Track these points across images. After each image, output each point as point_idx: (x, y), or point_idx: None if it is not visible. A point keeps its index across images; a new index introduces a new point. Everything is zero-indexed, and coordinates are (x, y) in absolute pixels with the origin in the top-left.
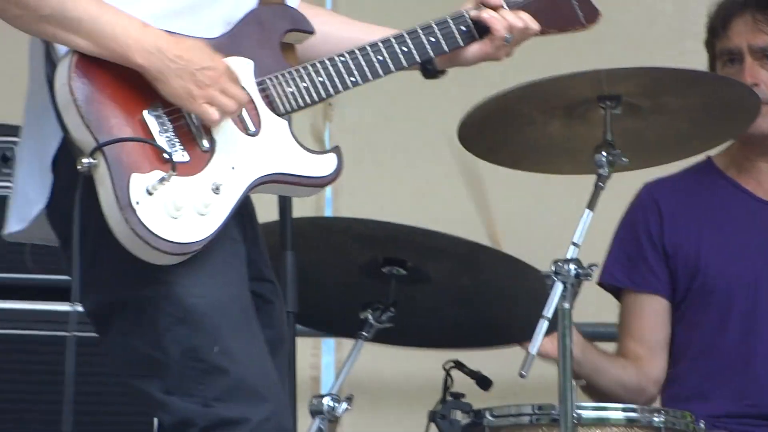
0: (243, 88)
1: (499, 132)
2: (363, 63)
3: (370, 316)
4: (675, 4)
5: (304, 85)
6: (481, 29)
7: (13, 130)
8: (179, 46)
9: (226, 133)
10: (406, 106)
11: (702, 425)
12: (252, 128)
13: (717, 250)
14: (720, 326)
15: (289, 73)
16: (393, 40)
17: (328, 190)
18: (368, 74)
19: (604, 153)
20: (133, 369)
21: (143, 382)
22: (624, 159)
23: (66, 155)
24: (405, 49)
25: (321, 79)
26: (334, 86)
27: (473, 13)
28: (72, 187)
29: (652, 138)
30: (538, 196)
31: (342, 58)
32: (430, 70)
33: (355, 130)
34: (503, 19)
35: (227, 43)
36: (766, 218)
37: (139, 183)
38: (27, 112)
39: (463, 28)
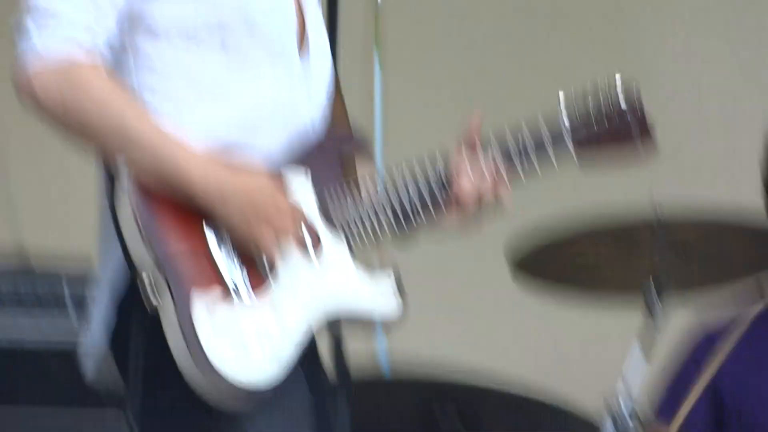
0: (302, 225)
1: (548, 262)
2: (413, 198)
3: None
4: (726, 142)
5: (368, 217)
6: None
7: None
8: (241, 177)
9: (293, 261)
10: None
11: None
12: (312, 251)
13: None
14: None
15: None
16: None
17: None
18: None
19: (654, 291)
20: None
21: None
22: (675, 296)
23: (133, 293)
24: None
25: (384, 209)
26: (395, 222)
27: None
28: (139, 324)
29: (703, 270)
30: (590, 334)
31: (402, 184)
32: None
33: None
34: (468, 181)
35: (289, 161)
36: None
37: (201, 301)
38: (99, 250)
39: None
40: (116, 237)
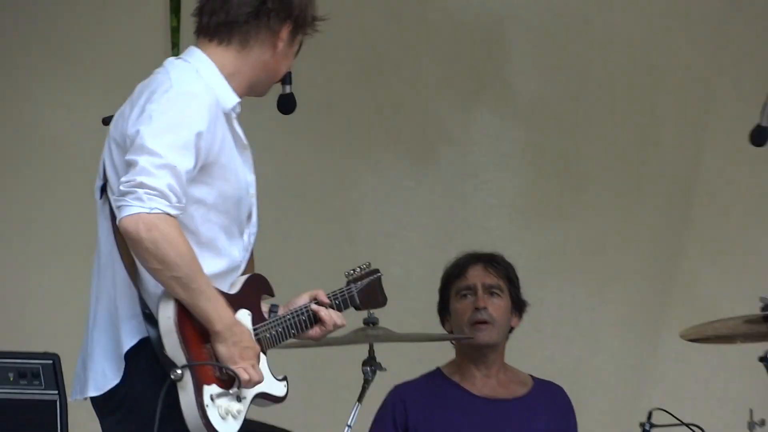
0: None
1: None
2: (297, 323)
3: None
4: None
5: (273, 332)
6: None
7: (20, 355)
8: (241, 329)
9: None
10: None
11: None
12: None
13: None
14: None
15: (268, 323)
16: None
17: None
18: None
19: None
20: None
21: None
22: None
23: (139, 352)
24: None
25: (280, 329)
26: (286, 336)
27: (313, 307)
28: (144, 375)
29: None
30: None
31: (288, 317)
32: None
33: None
34: (330, 317)
35: (239, 298)
36: (481, 409)
37: (208, 392)
38: (102, 321)
39: (306, 319)
40: (146, 326)
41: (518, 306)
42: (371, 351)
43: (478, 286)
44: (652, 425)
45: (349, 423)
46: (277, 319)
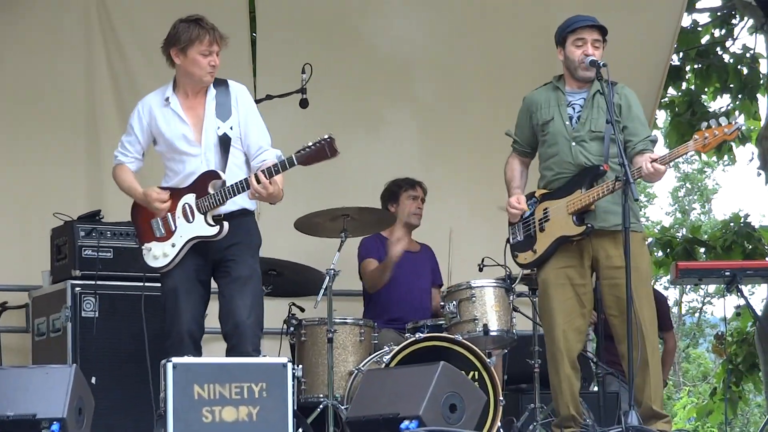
0: (186, 208)
1: None
2: (232, 188)
3: None
4: None
5: (210, 200)
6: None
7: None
8: (148, 191)
9: (181, 221)
10: None
11: None
12: (190, 219)
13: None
14: None
15: (204, 197)
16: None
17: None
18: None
19: None
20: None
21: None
22: None
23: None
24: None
25: (218, 197)
26: (221, 202)
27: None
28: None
29: None
30: None
31: (226, 187)
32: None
33: None
34: (262, 185)
35: (189, 188)
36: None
37: (146, 246)
38: None
39: (243, 185)
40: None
41: None
42: (344, 223)
43: (420, 195)
44: (484, 265)
45: (333, 261)
46: (215, 192)
